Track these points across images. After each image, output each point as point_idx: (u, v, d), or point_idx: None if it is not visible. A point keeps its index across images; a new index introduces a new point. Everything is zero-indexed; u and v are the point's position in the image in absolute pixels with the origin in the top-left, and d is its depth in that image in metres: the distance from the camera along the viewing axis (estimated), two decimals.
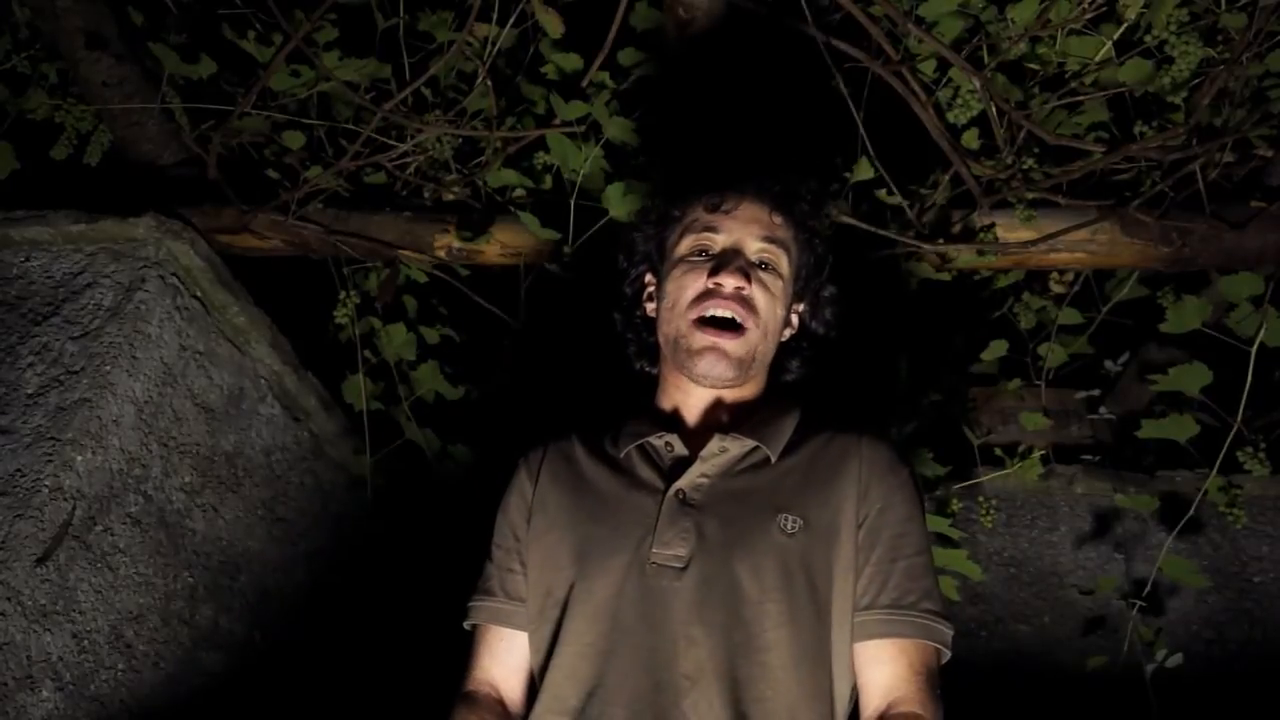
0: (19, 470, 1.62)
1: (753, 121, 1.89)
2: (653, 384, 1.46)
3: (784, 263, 1.36)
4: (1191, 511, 1.93)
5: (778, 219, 1.36)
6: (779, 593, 1.18)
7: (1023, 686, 2.17)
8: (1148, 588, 2.00)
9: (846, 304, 1.48)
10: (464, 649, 1.35)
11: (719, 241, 1.34)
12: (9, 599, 1.51)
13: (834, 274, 1.46)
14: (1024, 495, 2.38)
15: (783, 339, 1.41)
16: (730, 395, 1.36)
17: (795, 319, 1.44)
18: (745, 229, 1.34)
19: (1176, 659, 1.96)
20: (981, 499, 2.26)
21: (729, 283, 1.29)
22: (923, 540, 1.27)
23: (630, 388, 1.49)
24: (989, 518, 2.21)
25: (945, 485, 2.15)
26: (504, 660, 1.32)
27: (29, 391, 1.72)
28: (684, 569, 1.19)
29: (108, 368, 1.72)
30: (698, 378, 1.32)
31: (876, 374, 2.23)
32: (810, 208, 1.42)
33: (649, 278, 1.46)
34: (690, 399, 1.37)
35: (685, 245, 1.36)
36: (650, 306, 1.44)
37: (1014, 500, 2.38)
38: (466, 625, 1.36)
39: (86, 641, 1.62)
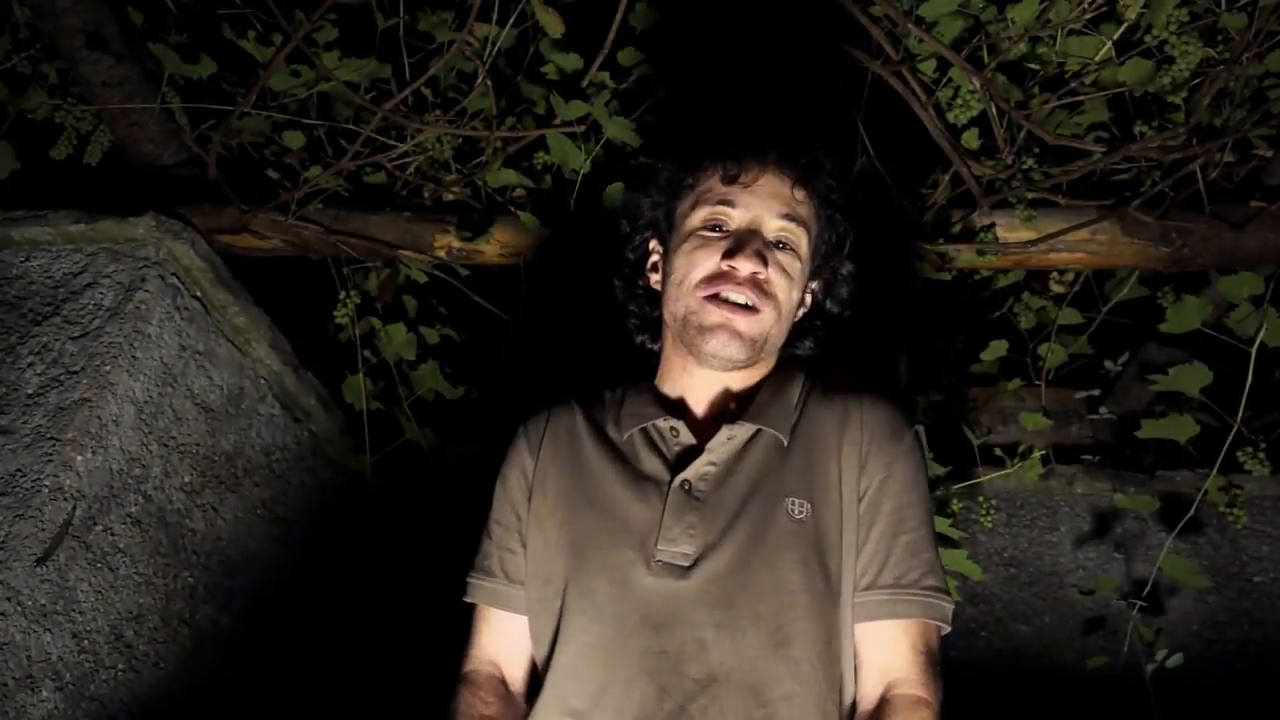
0: (19, 470, 1.62)
1: (753, 121, 1.89)
2: (653, 364, 1.39)
3: (803, 242, 1.28)
4: (1191, 511, 1.93)
5: (800, 194, 1.28)
6: (797, 583, 1.14)
7: (1023, 686, 2.17)
8: (1148, 588, 1.99)
9: (863, 282, 1.40)
10: (462, 636, 1.33)
11: (735, 218, 1.25)
12: (9, 599, 1.51)
13: (853, 251, 1.38)
14: (1024, 495, 2.38)
15: (795, 318, 1.33)
16: (737, 380, 1.30)
17: (809, 297, 1.36)
18: (765, 205, 1.25)
19: (1176, 659, 1.96)
20: (981, 499, 2.26)
21: (745, 267, 1.22)
22: (924, 511, 1.22)
23: (630, 377, 1.45)
24: (989, 518, 2.21)
25: (945, 485, 2.15)
26: (505, 641, 1.29)
27: (29, 391, 1.72)
28: (690, 567, 1.15)
29: (108, 368, 1.72)
30: (706, 357, 1.25)
31: (876, 374, 2.23)
32: (835, 181, 1.33)
33: (654, 244, 1.38)
34: (695, 383, 1.30)
35: (698, 217, 1.27)
36: (654, 278, 1.37)
37: (1014, 500, 2.38)
38: (466, 599, 1.32)
39: (86, 641, 1.62)
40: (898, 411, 1.27)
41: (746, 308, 1.23)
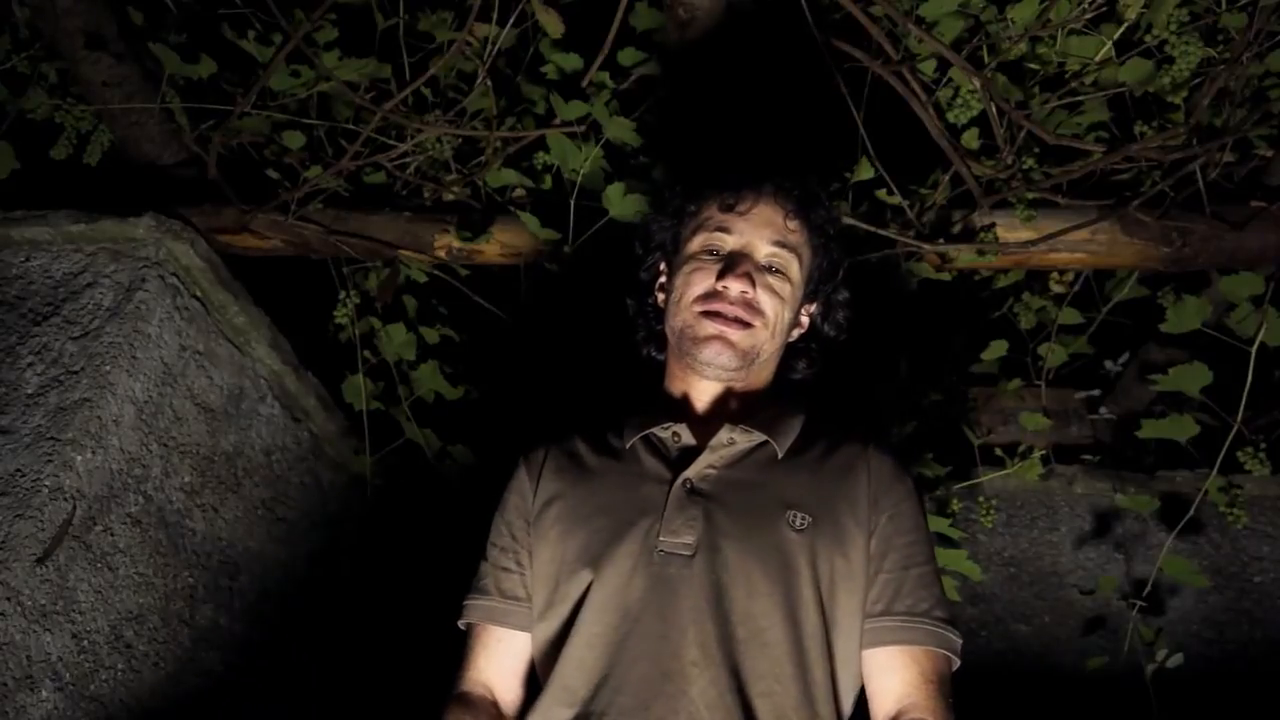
0: (19, 470, 1.62)
1: (753, 121, 1.89)
2: (659, 374, 1.46)
3: (794, 268, 1.36)
4: (1191, 511, 1.93)
5: (792, 223, 1.37)
6: (783, 586, 1.18)
7: (1023, 686, 2.17)
8: (1148, 588, 2.00)
9: (858, 309, 1.49)
10: (459, 649, 1.35)
11: (730, 243, 1.35)
12: (9, 599, 1.51)
13: (847, 278, 1.47)
14: (1024, 495, 2.38)
15: (791, 339, 1.42)
16: (738, 386, 1.37)
17: (805, 319, 1.45)
18: (758, 232, 1.35)
19: (1176, 659, 1.96)
20: (981, 499, 2.26)
21: (735, 287, 1.31)
22: (930, 549, 1.28)
23: (632, 384, 1.49)
24: (989, 518, 2.21)
25: (945, 485, 2.15)
26: (499, 660, 1.31)
27: (29, 391, 1.72)
28: (692, 556, 1.20)
29: (108, 368, 1.72)
30: (701, 366, 1.33)
31: (876, 374, 2.23)
32: (827, 212, 1.43)
33: (662, 265, 1.47)
34: (698, 387, 1.38)
35: (697, 243, 1.37)
36: (661, 297, 1.45)
37: (1014, 500, 2.38)
38: (461, 624, 1.35)
39: (86, 641, 1.62)
40: (899, 459, 1.34)
41: (738, 322, 1.31)
